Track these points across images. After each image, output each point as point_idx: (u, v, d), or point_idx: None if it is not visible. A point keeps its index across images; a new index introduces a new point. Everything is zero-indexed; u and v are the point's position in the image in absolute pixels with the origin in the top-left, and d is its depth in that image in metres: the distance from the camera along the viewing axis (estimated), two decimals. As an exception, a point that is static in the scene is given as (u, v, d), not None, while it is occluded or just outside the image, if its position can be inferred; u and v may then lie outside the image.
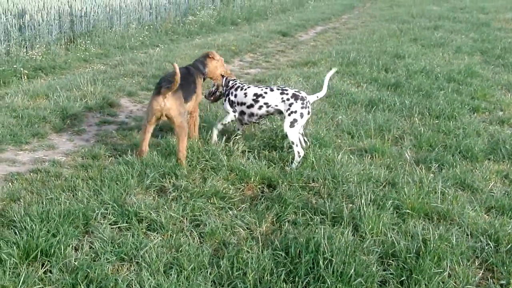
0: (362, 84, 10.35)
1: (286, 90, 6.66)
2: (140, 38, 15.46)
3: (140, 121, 8.08)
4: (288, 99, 6.53)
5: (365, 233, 4.86)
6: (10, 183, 5.75)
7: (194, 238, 4.78)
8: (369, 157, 6.77)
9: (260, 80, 10.94)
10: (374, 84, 10.41)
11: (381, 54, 13.16)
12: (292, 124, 6.42)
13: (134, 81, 10.29)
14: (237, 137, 6.92)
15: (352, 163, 6.43)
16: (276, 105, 6.59)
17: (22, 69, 11.01)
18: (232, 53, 13.93)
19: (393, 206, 5.35)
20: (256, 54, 14.44)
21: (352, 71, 11.34)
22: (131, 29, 16.25)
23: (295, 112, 6.47)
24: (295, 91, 6.64)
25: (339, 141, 7.27)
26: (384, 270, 4.37)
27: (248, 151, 6.68)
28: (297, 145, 6.43)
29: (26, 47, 12.79)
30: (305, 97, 6.61)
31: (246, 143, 6.90)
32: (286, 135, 6.49)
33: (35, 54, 12.20)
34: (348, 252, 4.37)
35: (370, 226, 4.91)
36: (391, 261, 4.47)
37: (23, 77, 10.69)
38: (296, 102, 6.50)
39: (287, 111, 6.51)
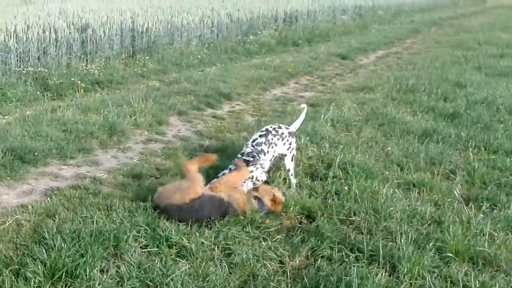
0: (418, 113, 10.04)
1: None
2: (199, 56, 15.53)
3: (186, 141, 8.06)
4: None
5: (403, 275, 4.62)
6: (49, 198, 5.78)
7: (223, 268, 4.64)
8: (416, 192, 6.49)
9: (313, 104, 10.78)
10: (430, 114, 10.08)
11: (441, 82, 12.78)
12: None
13: (186, 100, 10.31)
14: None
15: (398, 197, 6.17)
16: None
17: (79, 82, 11.21)
18: (289, 75, 13.84)
19: (436, 247, 5.08)
20: (312, 76, 14.29)
21: (409, 99, 11.03)
22: (191, 47, 16.38)
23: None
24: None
25: (387, 173, 7.01)
26: (419, 318, 4.13)
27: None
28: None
29: (87, 60, 13.04)
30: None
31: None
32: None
33: (94, 68, 12.41)
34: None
35: (408, 268, 4.67)
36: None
37: (79, 90, 10.87)
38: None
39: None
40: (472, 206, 6.10)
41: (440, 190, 6.56)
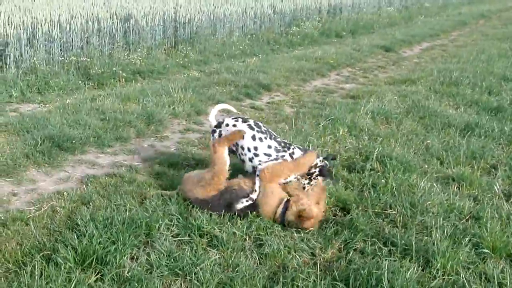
0: (461, 106, 9.81)
1: None
2: (241, 47, 15.51)
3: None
4: None
5: (436, 271, 4.50)
6: (84, 186, 5.84)
7: (253, 258, 4.61)
8: (455, 186, 6.34)
9: (354, 96, 10.66)
10: (473, 107, 9.84)
11: (487, 75, 12.47)
12: None
13: (225, 90, 10.31)
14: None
15: (435, 191, 6.03)
16: None
17: (121, 72, 11.32)
18: (330, 66, 13.71)
19: (472, 243, 4.94)
20: (354, 68, 14.13)
21: (452, 92, 10.78)
22: (233, 37, 16.37)
23: None
24: None
25: (426, 166, 6.86)
26: (450, 315, 4.02)
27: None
28: None
29: (129, 50, 13.15)
30: None
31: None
32: None
33: (136, 58, 12.50)
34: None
35: (442, 263, 4.55)
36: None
37: (120, 80, 10.97)
38: None
39: None
40: (513, 203, 5.93)
41: (480, 185, 6.38)
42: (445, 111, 9.31)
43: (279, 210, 5.24)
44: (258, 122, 5.79)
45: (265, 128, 5.70)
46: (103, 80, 10.88)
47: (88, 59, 11.53)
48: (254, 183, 5.34)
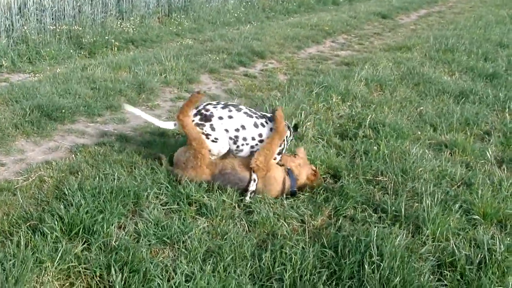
0: (456, 73, 9.73)
1: None
2: (236, 14, 15.35)
3: (217, 99, 7.97)
4: None
5: (426, 237, 4.47)
6: (73, 155, 5.78)
7: (242, 226, 4.58)
8: (448, 153, 6.30)
9: (348, 63, 10.56)
10: (469, 74, 9.77)
11: (483, 41, 12.38)
12: None
13: (218, 58, 10.20)
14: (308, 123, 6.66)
15: (427, 158, 5.99)
16: None
17: (113, 41, 11.19)
18: (326, 33, 13.58)
19: (463, 209, 4.91)
20: (350, 35, 14.00)
21: (448, 59, 10.69)
22: (228, 5, 16.17)
23: None
24: None
25: (419, 133, 6.81)
26: (438, 281, 3.99)
27: (319, 137, 6.40)
28: None
29: (122, 18, 12.98)
30: None
31: (318, 128, 6.62)
32: None
33: (129, 26, 12.36)
34: (399, 257, 4.01)
35: (432, 230, 4.52)
36: (447, 271, 4.06)
37: (113, 49, 10.85)
38: None
39: None
40: (505, 169, 5.90)
41: (473, 151, 6.34)
42: (440, 78, 9.24)
43: (287, 183, 5.18)
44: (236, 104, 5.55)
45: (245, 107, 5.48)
46: (95, 49, 10.76)
47: (80, 28, 11.39)
48: (249, 168, 5.12)
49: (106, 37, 11.29)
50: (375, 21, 16.23)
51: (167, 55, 9.53)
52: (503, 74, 9.59)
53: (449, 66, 10.26)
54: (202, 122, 5.17)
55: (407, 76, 9.30)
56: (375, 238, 4.18)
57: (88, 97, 7.42)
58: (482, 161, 6.11)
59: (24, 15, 10.80)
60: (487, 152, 6.20)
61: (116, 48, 10.91)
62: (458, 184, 5.49)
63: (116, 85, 7.89)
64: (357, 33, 14.25)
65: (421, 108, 7.60)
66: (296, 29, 13.51)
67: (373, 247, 4.06)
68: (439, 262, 4.18)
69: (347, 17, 15.85)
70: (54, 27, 11.13)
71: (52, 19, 11.38)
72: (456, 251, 4.22)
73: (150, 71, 8.74)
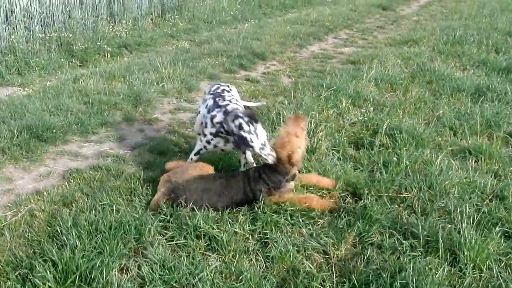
0: (469, 68, 9.24)
1: None
2: (232, 12, 14.84)
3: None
4: None
5: (465, 265, 3.97)
6: (66, 183, 5.25)
7: (259, 263, 4.07)
8: (473, 161, 5.80)
9: (354, 61, 10.06)
10: (482, 68, 9.28)
11: (491, 31, 11.90)
12: None
13: (217, 62, 9.69)
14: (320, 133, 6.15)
15: (453, 168, 5.48)
16: None
17: (106, 46, 10.67)
18: (327, 29, 13.09)
19: (500, 228, 4.42)
20: (352, 30, 13.50)
21: (458, 52, 10.22)
22: (223, 2, 15.64)
23: None
24: None
25: (439, 138, 6.32)
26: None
27: (332, 149, 5.90)
28: None
29: (114, 22, 12.45)
30: None
31: (330, 139, 6.12)
32: None
33: (121, 30, 11.83)
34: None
35: (471, 257, 4.02)
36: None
37: (106, 55, 10.33)
38: None
39: None
40: (540, 177, 5.41)
41: (500, 157, 5.87)
42: (453, 74, 8.76)
43: None
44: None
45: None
46: (87, 56, 10.22)
47: (71, 34, 10.86)
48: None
49: (98, 43, 10.76)
50: (376, 13, 15.72)
51: (163, 61, 9.01)
52: (518, 67, 9.10)
53: (459, 60, 9.78)
54: None
55: (418, 74, 8.81)
56: (411, 273, 3.69)
57: (81, 113, 6.89)
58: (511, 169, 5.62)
59: (11, 23, 10.25)
60: (517, 159, 5.72)
61: (109, 55, 10.38)
62: (490, 197, 5.01)
63: (110, 98, 7.37)
64: (359, 28, 13.74)
65: (440, 112, 7.07)
66: (296, 25, 13.01)
67: (411, 285, 3.56)
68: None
69: (347, 11, 15.36)
70: (43, 34, 10.59)
71: (41, 26, 10.85)
72: (502, 283, 3.73)
73: (146, 80, 8.21)
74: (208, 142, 5.11)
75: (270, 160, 4.62)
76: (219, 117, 4.95)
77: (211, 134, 5.02)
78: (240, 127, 4.66)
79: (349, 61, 10.19)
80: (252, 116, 4.71)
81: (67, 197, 4.88)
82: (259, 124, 4.70)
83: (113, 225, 4.27)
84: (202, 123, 5.18)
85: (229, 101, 5.17)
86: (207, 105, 5.21)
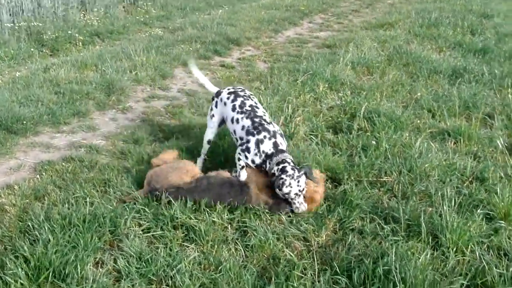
0: (445, 50, 9.21)
1: None
2: (205, -2, 14.65)
3: (193, 96, 7.32)
4: None
5: (447, 249, 3.91)
6: (38, 175, 5.09)
7: (238, 252, 3.96)
8: (452, 143, 5.76)
9: (330, 45, 9.97)
10: (458, 50, 9.27)
11: (466, 13, 11.91)
12: None
13: (191, 49, 9.53)
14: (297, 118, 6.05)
15: (433, 151, 5.43)
16: None
17: (77, 35, 10.42)
18: (302, 14, 13.00)
19: (481, 209, 4.38)
20: (327, 14, 13.42)
21: (434, 34, 10.20)
22: (196, -12, 15.43)
23: None
24: None
25: (418, 121, 6.27)
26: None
27: (311, 134, 5.81)
28: None
29: (85, 9, 12.20)
30: None
31: (308, 124, 6.03)
32: None
33: (93, 18, 11.58)
34: (426, 280, 3.44)
35: (453, 240, 3.96)
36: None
37: (77, 44, 10.10)
38: None
39: None
40: (517, 157, 5.39)
41: (479, 139, 5.84)
42: (429, 56, 8.73)
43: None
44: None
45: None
46: (58, 45, 9.97)
47: (41, 24, 10.58)
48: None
49: (69, 32, 10.51)
50: (351, -3, 15.64)
51: (136, 49, 8.83)
52: (494, 48, 9.11)
53: (435, 42, 9.75)
54: None
55: (395, 57, 8.76)
56: (393, 259, 3.61)
57: (52, 103, 6.69)
58: (491, 150, 5.60)
59: (-22, 13, 9.98)
60: (496, 140, 5.70)
61: (80, 43, 10.15)
62: (470, 179, 4.97)
63: (82, 87, 7.18)
64: (334, 12, 13.66)
65: (418, 94, 7.01)
66: (271, 11, 12.88)
67: (393, 272, 3.49)
68: (469, 283, 3.61)
69: (322, -5, 15.23)
70: (12, 24, 10.31)
71: (10, 15, 10.55)
72: (486, 266, 3.67)
73: (118, 68, 8.02)
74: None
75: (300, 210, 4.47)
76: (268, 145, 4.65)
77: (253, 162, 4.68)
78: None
79: (325, 45, 10.10)
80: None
81: (39, 190, 4.72)
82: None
83: (87, 218, 4.13)
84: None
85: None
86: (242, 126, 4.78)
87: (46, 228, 3.99)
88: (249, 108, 4.81)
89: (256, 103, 4.94)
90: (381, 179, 4.98)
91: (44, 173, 5.10)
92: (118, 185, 4.73)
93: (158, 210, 4.31)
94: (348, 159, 5.35)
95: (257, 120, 4.70)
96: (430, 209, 4.43)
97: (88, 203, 4.35)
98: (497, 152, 5.54)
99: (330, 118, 6.34)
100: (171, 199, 4.40)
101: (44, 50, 9.75)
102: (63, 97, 6.88)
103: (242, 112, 4.78)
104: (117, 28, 11.45)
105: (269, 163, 4.51)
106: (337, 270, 3.67)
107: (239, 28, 11.04)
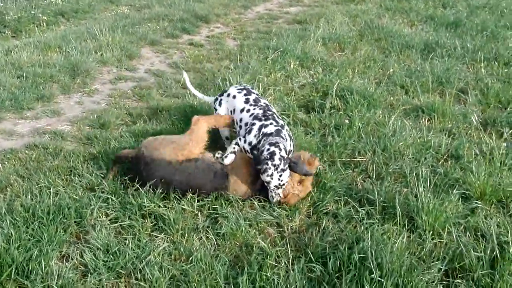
0: (417, 24, 9.11)
1: None
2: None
3: (161, 77, 7.13)
4: None
5: (424, 232, 3.83)
6: (0, 165, 4.87)
7: (210, 241, 3.84)
8: (426, 120, 5.68)
9: (300, 21, 9.80)
10: (430, 23, 9.19)
11: (437, -14, 11.77)
12: None
13: (158, 27, 9.30)
14: (269, 98, 5.91)
15: (407, 128, 5.34)
16: None
17: (41, 15, 10.11)
18: (271, -12, 12.73)
19: (456, 188, 4.31)
20: (297, -12, 13.18)
21: (405, 8, 10.11)
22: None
23: None
24: None
25: (391, 98, 6.17)
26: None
27: (282, 114, 5.68)
28: None
29: (48, -12, 11.83)
30: None
31: (279, 103, 5.90)
32: None
33: (57, -3, 11.28)
34: (403, 266, 3.36)
35: (429, 222, 3.88)
36: (459, 279, 3.43)
37: (41, 24, 9.79)
38: None
39: None
40: (492, 133, 5.34)
41: (453, 115, 5.77)
42: (401, 31, 8.64)
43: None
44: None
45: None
46: (21, 26, 9.68)
47: (1, 4, 10.25)
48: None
49: (32, 12, 10.21)
50: (320, -30, 15.40)
51: (102, 28, 8.58)
52: (465, 21, 9.04)
53: (407, 16, 9.68)
54: None
55: (366, 32, 8.64)
56: (369, 244, 3.52)
57: (15, 87, 6.46)
58: (465, 126, 5.53)
59: None
60: (470, 116, 5.64)
61: (44, 24, 9.86)
62: (445, 157, 4.90)
63: (46, 70, 6.94)
64: (304, -15, 13.43)
65: (390, 70, 6.91)
66: (240, -14, 12.61)
67: (370, 258, 3.39)
68: (445, 265, 3.53)
69: (291, -31, 14.98)
70: (-29, 4, 9.97)
71: (-31, -5, 10.21)
72: (463, 248, 3.59)
73: (83, 49, 7.78)
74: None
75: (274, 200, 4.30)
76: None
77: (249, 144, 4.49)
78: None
79: (296, 20, 9.94)
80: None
81: (1, 181, 4.53)
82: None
83: (51, 209, 3.97)
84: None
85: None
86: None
87: (8, 221, 3.82)
88: (264, 105, 4.70)
89: (270, 104, 4.84)
90: (355, 159, 4.89)
91: (6, 162, 4.89)
92: (84, 172, 4.55)
93: (125, 199, 4.16)
94: (321, 139, 5.25)
95: (269, 112, 4.58)
96: (405, 189, 4.35)
97: (52, 193, 4.18)
98: (472, 128, 5.48)
99: (302, 97, 6.21)
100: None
101: (6, 32, 9.45)
102: (26, 81, 6.64)
103: (255, 106, 4.67)
104: (83, 7, 11.16)
105: (264, 141, 4.35)
106: (312, 257, 3.56)
107: (207, 4, 10.83)
